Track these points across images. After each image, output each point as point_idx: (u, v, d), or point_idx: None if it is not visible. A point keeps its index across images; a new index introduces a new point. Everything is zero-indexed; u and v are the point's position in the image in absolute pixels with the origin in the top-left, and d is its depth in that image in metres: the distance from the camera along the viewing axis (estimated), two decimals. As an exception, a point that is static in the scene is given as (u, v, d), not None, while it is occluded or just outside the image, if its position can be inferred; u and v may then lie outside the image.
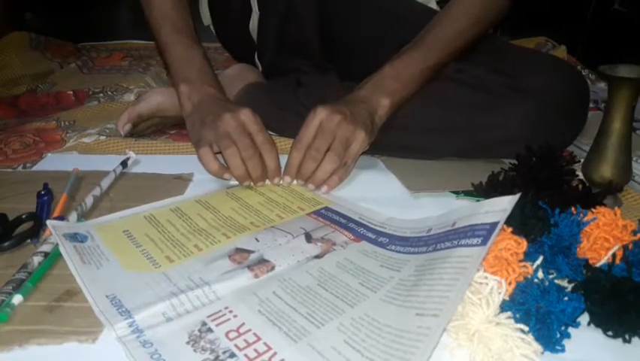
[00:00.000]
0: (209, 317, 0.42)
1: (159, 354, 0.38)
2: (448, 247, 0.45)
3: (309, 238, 0.55)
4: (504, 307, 0.42)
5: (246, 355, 0.38)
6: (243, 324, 0.42)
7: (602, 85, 1.12)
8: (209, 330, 0.41)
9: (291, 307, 0.43)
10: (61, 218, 0.56)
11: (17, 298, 0.44)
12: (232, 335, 0.40)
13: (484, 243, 0.42)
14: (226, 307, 0.44)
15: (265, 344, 0.39)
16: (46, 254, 0.50)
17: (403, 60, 0.72)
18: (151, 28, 0.80)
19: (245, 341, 0.40)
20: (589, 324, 0.43)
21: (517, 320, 0.40)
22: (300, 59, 0.87)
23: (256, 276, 0.48)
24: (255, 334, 0.40)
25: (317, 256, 0.51)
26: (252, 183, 0.66)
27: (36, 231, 0.54)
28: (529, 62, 0.77)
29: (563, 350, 0.40)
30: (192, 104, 0.72)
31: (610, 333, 0.42)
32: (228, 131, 0.65)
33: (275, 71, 0.91)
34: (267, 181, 0.67)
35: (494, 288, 0.41)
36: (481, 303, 0.40)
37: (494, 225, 0.42)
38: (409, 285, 0.44)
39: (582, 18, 1.45)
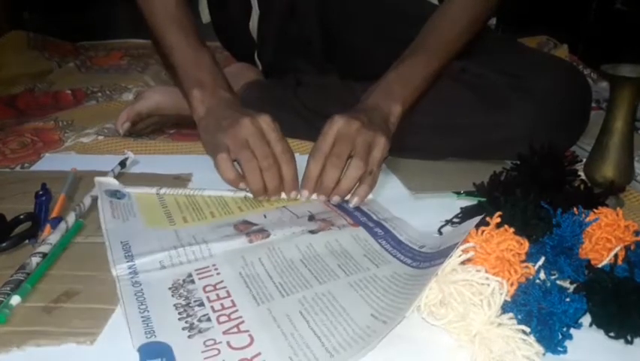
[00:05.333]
0: (196, 270, 0.48)
1: (142, 293, 0.45)
2: (426, 267, 0.47)
3: (311, 218, 0.58)
4: (505, 308, 0.42)
5: (212, 306, 0.43)
6: (222, 281, 0.46)
7: (604, 84, 1.11)
8: (192, 281, 0.46)
9: (268, 274, 0.48)
10: (59, 219, 0.55)
11: (15, 300, 0.43)
12: (208, 288, 0.46)
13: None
14: (214, 265, 0.49)
15: (232, 301, 0.44)
16: (44, 255, 0.49)
17: (407, 66, 0.69)
18: (152, 29, 0.76)
19: (217, 295, 0.45)
20: (591, 325, 0.43)
21: (518, 321, 0.40)
22: (301, 58, 0.86)
23: (250, 241, 0.53)
24: (227, 291, 0.45)
25: (312, 231, 0.54)
26: (266, 198, 0.62)
27: (34, 231, 0.54)
28: (532, 62, 0.77)
29: (564, 352, 0.40)
30: (206, 107, 0.69)
31: (612, 334, 0.42)
32: (247, 138, 0.62)
33: (275, 71, 0.91)
34: (283, 195, 0.62)
35: (496, 289, 0.41)
36: (482, 304, 0.40)
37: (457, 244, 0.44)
38: (378, 285, 0.46)
39: (584, 17, 1.45)
